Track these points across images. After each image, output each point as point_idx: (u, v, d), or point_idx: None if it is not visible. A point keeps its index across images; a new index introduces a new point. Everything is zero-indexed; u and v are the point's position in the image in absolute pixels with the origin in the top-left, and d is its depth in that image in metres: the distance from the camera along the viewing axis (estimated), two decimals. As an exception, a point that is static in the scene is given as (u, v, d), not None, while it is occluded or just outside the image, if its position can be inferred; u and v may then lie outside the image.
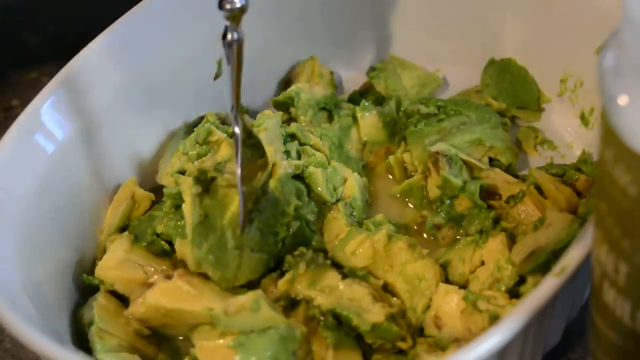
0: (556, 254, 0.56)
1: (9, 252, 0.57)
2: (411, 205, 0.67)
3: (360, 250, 0.61)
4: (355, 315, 0.56)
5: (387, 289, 0.60)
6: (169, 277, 0.58)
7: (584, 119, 0.68)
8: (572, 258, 0.51)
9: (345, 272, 0.60)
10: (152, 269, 0.60)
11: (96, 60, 0.64)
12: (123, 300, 0.60)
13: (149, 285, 0.59)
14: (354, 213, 0.65)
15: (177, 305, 0.57)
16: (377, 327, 0.56)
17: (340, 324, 0.57)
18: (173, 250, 0.61)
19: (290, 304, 0.58)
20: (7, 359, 0.63)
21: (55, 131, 0.62)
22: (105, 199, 0.65)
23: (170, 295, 0.57)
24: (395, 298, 0.60)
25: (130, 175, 0.67)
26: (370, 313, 0.57)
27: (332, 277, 0.59)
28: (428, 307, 0.59)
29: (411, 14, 0.73)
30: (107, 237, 0.63)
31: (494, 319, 0.55)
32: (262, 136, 0.64)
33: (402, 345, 0.57)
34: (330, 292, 0.58)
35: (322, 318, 0.57)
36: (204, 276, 0.58)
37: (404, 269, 0.60)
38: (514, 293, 0.58)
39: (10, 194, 0.59)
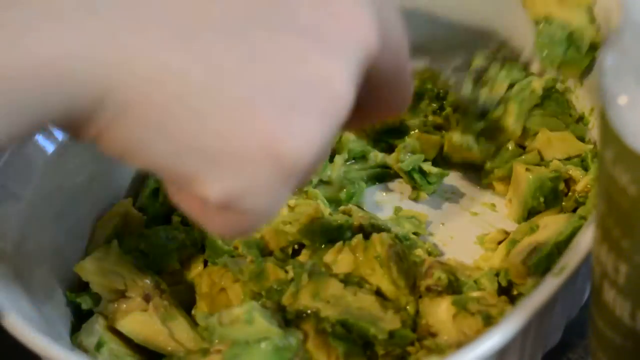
0: (559, 246, 0.56)
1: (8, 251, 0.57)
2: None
3: (340, 257, 0.60)
4: (370, 324, 0.55)
5: (377, 293, 0.59)
6: (146, 297, 0.58)
7: (584, 118, 0.68)
8: (572, 258, 0.51)
9: (342, 279, 0.58)
10: (133, 282, 0.59)
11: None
12: None
13: (125, 296, 0.58)
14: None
15: (146, 338, 0.57)
16: (394, 334, 0.55)
17: (349, 333, 0.56)
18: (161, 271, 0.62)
19: (295, 316, 0.57)
20: (6, 358, 0.63)
21: (55, 131, 0.62)
22: (105, 200, 0.65)
23: (140, 327, 0.57)
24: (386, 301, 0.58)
25: (130, 175, 0.67)
26: (385, 321, 0.56)
27: (334, 286, 0.58)
28: (411, 304, 0.58)
29: (411, 13, 0.73)
30: (94, 248, 0.62)
31: (486, 319, 0.55)
32: None
33: (412, 349, 0.56)
34: (335, 302, 0.57)
35: (330, 329, 0.55)
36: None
37: (386, 271, 0.59)
38: (504, 290, 0.58)
39: (10, 194, 0.59)
